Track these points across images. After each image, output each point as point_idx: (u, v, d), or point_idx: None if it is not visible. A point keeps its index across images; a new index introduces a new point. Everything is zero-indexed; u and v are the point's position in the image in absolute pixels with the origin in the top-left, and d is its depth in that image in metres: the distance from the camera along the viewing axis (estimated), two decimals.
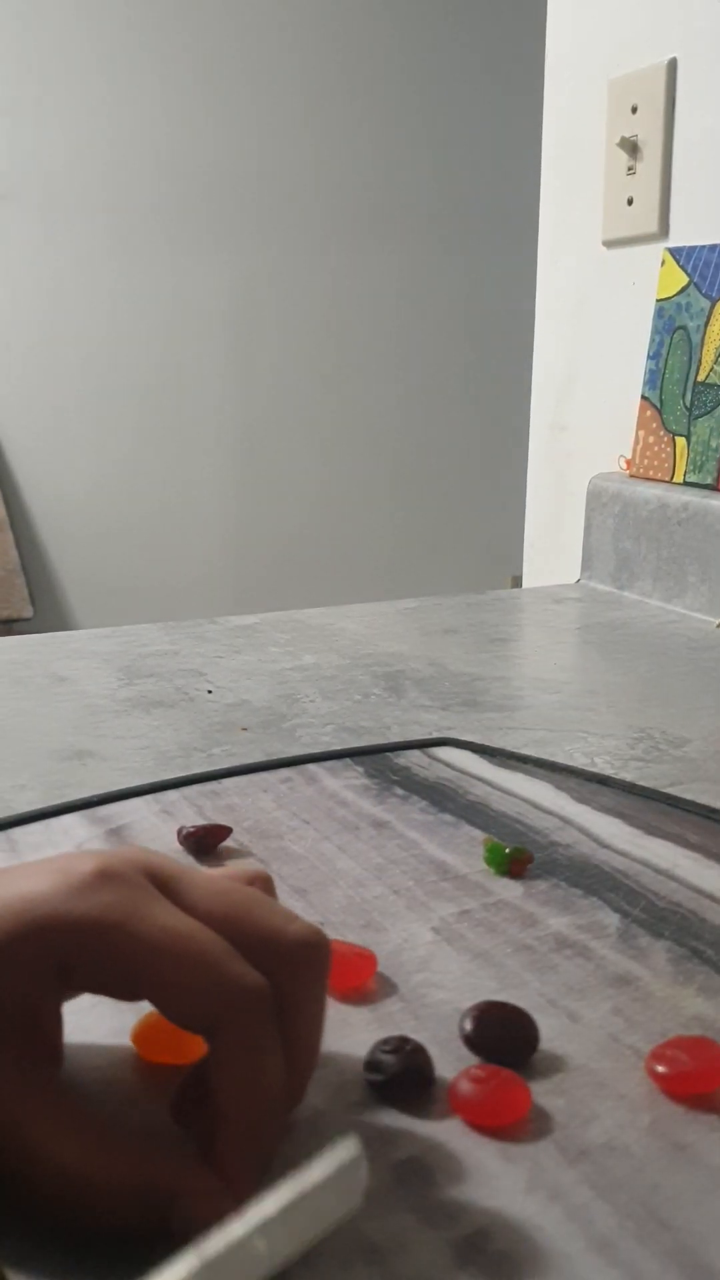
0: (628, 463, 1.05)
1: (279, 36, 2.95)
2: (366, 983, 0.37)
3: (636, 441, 1.03)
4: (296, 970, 0.30)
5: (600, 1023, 0.35)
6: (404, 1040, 0.33)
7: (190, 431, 3.09)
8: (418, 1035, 0.34)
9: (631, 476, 1.04)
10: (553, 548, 1.20)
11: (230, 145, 2.97)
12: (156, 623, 0.90)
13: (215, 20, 2.89)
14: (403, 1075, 0.32)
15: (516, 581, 1.32)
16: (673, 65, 0.99)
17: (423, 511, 3.34)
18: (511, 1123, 0.30)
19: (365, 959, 0.38)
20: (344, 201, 3.10)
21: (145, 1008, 0.33)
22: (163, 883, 0.30)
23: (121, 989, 0.29)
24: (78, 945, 0.28)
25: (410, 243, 3.18)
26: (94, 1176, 0.26)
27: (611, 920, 0.42)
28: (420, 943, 0.40)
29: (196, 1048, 0.33)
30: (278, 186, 3.03)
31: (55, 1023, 0.30)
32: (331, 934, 0.40)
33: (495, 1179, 0.29)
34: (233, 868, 0.35)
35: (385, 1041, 0.33)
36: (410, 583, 3.18)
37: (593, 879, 0.45)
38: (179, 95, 2.91)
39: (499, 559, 2.91)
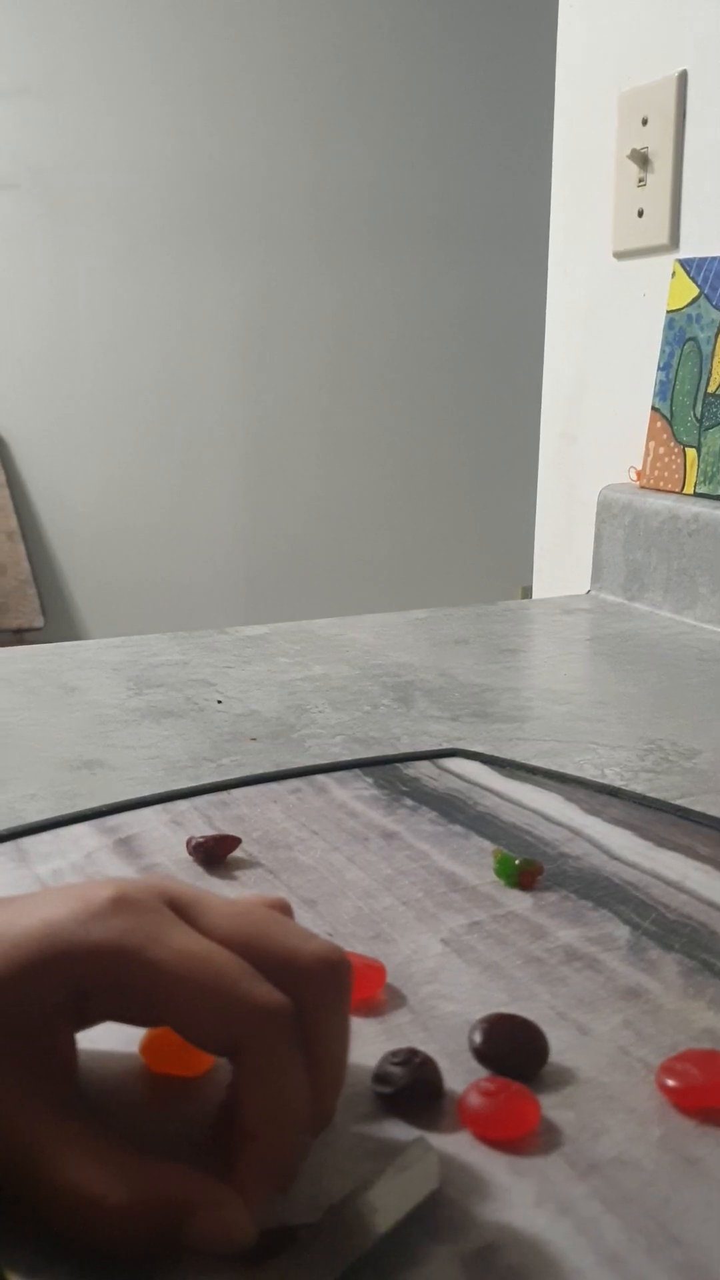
0: (638, 474, 1.05)
1: (287, 49, 2.97)
2: (376, 994, 0.37)
3: (647, 453, 1.03)
4: (317, 988, 0.29)
5: (610, 1036, 0.35)
6: (413, 1052, 0.32)
7: (200, 442, 3.10)
8: (427, 1047, 0.34)
9: (642, 487, 1.04)
10: (563, 558, 1.20)
11: (239, 156, 2.99)
12: (166, 633, 0.91)
13: (223, 33, 2.90)
14: (412, 1087, 0.32)
15: (526, 592, 1.32)
16: (683, 78, 0.99)
17: (433, 522, 3.35)
18: (521, 1136, 0.30)
19: (374, 970, 0.38)
20: (353, 212, 3.11)
21: None
22: (181, 908, 0.30)
23: (140, 1014, 0.29)
24: (96, 971, 0.28)
25: (419, 253, 3.19)
26: (106, 1198, 0.26)
27: (622, 933, 0.41)
28: (430, 954, 0.40)
29: (205, 1059, 0.33)
30: (287, 197, 3.05)
31: (70, 1048, 0.30)
32: (341, 945, 0.40)
33: (504, 1192, 0.28)
34: (251, 895, 0.35)
35: (394, 1053, 0.33)
36: (420, 593, 3.18)
37: (603, 891, 0.45)
38: (188, 107, 2.92)
39: (509, 570, 2.91)
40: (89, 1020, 0.29)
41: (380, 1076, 0.32)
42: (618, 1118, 0.31)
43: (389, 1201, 0.27)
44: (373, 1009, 0.37)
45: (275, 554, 3.21)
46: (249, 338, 3.09)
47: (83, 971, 0.28)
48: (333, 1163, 0.29)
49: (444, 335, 3.26)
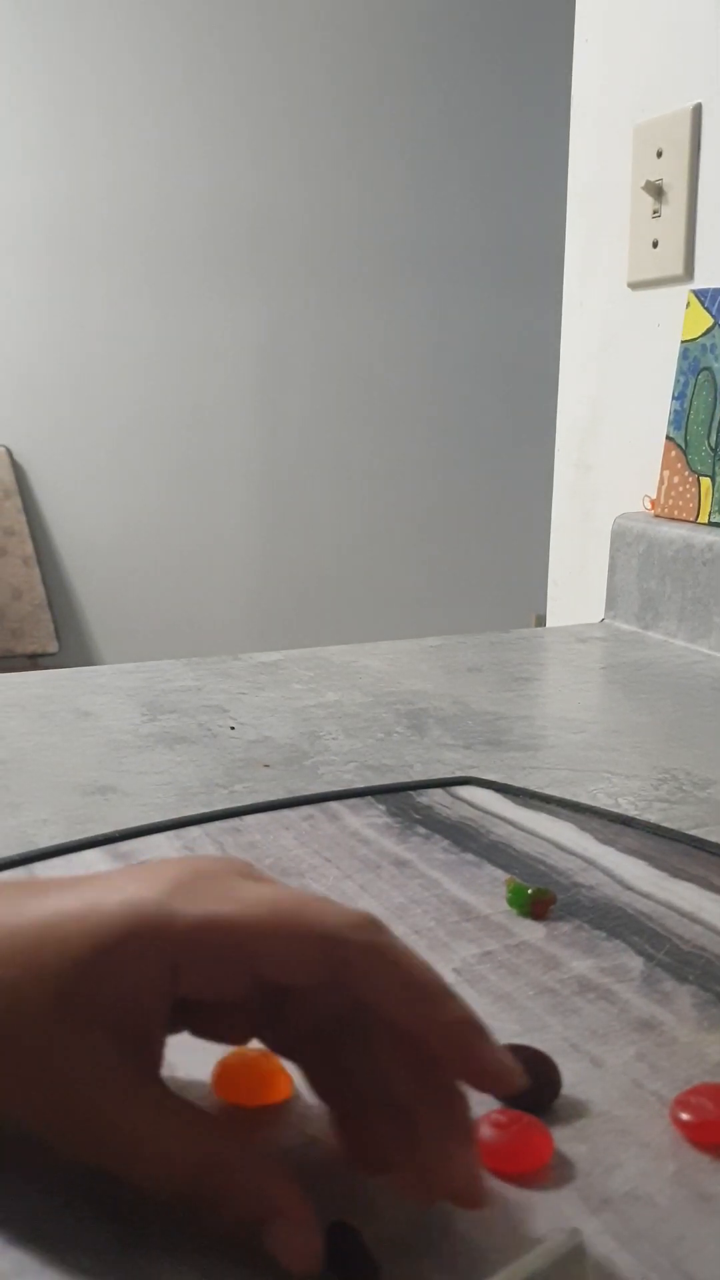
0: (652, 503, 1.05)
1: (312, 84, 3.00)
2: None
3: (661, 482, 1.03)
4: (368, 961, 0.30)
5: (623, 1068, 0.35)
6: None
7: (217, 469, 3.11)
8: None
9: (656, 516, 1.04)
10: (577, 587, 1.20)
11: (261, 190, 3.01)
12: (180, 659, 0.91)
13: (251, 67, 2.94)
14: None
15: (540, 620, 1.32)
16: (698, 110, 1.00)
17: (447, 550, 3.35)
18: (533, 1169, 0.30)
19: None
20: (370, 244, 3.14)
21: (223, 1050, 0.33)
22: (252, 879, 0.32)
23: (233, 980, 0.29)
24: (186, 944, 0.28)
25: (435, 284, 3.21)
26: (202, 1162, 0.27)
27: (635, 964, 0.41)
28: None
29: (278, 1089, 0.32)
30: (307, 230, 3.07)
31: (161, 1024, 0.30)
32: None
33: (516, 1226, 0.28)
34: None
35: None
36: (434, 621, 3.19)
37: (616, 921, 0.44)
38: (210, 142, 2.95)
39: (523, 598, 2.91)
40: (183, 991, 0.29)
41: None
42: (631, 1152, 0.31)
43: None
44: None
45: (289, 581, 3.21)
46: (266, 369, 3.11)
47: (173, 947, 0.28)
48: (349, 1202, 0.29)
49: (459, 365, 3.28)
